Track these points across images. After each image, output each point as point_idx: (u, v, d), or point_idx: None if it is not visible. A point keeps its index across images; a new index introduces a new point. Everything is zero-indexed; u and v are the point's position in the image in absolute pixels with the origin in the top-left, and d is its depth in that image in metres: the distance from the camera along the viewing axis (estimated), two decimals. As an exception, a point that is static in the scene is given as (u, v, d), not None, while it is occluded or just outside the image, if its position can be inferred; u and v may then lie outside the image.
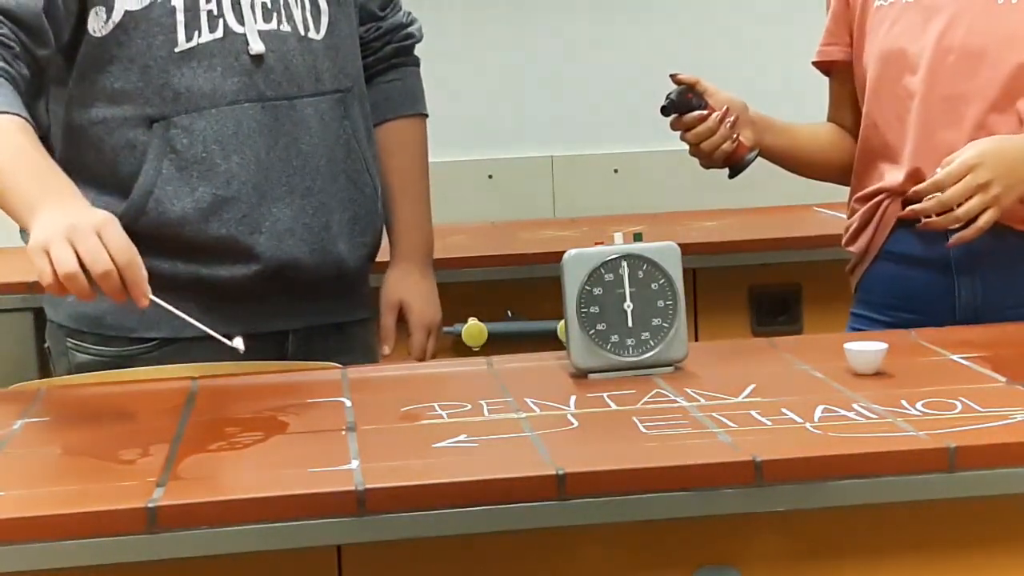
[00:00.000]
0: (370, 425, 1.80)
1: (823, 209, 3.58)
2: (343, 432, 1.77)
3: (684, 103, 2.32)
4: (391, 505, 1.55)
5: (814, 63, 2.51)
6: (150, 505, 1.52)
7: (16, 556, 1.50)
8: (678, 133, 2.35)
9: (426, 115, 2.56)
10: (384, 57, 2.50)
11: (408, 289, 2.46)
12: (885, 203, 2.38)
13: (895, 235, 2.38)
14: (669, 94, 2.32)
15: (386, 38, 2.50)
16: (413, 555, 1.59)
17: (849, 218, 2.47)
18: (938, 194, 2.20)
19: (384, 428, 1.79)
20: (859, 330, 2.41)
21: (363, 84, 2.41)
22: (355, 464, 1.63)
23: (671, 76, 2.33)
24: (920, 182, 2.29)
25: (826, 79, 2.53)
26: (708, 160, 2.35)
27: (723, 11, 4.11)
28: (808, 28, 3.61)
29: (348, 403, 1.91)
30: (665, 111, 2.32)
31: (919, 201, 2.23)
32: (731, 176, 2.39)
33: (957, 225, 2.21)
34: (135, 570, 1.53)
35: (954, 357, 2.05)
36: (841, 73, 2.48)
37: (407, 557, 1.59)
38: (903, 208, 2.33)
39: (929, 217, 2.23)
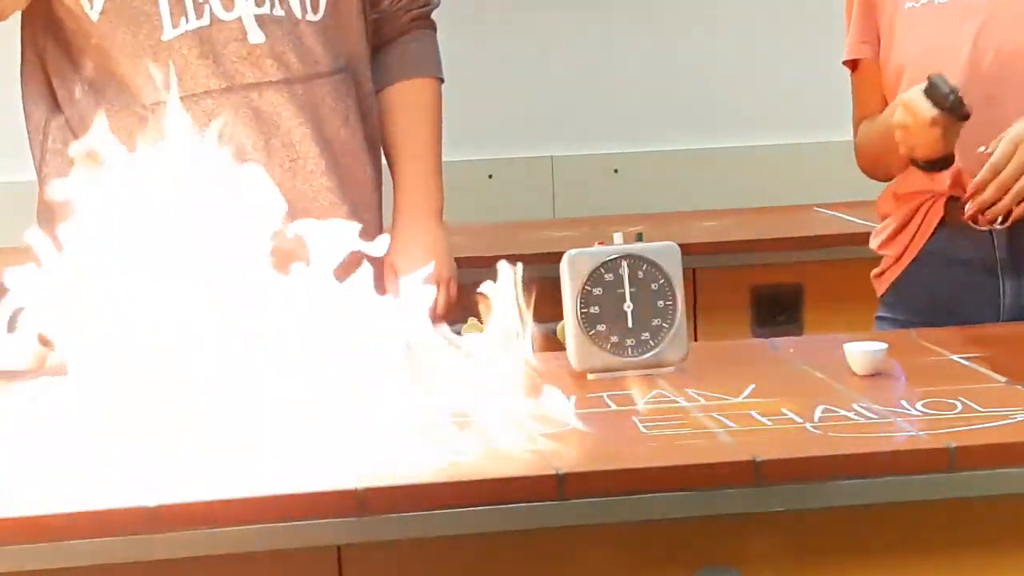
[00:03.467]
0: (370, 425, 1.79)
1: (823, 209, 3.58)
2: (343, 432, 1.76)
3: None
4: (391, 505, 1.55)
5: (845, 61, 2.47)
6: (150, 505, 1.52)
7: (16, 556, 1.50)
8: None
9: (439, 78, 2.50)
10: (401, 25, 2.47)
11: (397, 249, 2.40)
12: (927, 204, 2.37)
13: (936, 236, 2.37)
14: (953, 91, 2.18)
15: (405, 5, 2.47)
16: (413, 555, 1.59)
17: (881, 220, 2.45)
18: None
19: (384, 428, 1.79)
20: None
21: (364, 62, 2.39)
22: (355, 464, 1.63)
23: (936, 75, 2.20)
24: (963, 184, 2.28)
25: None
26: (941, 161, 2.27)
27: (724, 12, 4.11)
28: (810, 31, 3.61)
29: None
30: (968, 116, 2.19)
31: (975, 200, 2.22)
32: (933, 170, 2.30)
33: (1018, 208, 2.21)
34: (135, 570, 1.53)
35: (954, 357, 2.05)
36: (869, 70, 2.45)
37: (407, 557, 1.59)
38: (953, 211, 2.32)
39: (989, 209, 2.21)
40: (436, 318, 2.30)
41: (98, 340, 1.84)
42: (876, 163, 2.44)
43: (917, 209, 2.38)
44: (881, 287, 2.47)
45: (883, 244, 2.44)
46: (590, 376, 1.99)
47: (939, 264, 2.37)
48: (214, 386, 1.80)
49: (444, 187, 2.53)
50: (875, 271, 2.47)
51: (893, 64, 2.39)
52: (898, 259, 2.42)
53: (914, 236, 2.39)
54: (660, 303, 2.00)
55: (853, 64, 2.48)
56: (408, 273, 2.32)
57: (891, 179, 2.46)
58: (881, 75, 2.43)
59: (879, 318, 2.46)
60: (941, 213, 2.35)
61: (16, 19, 2.32)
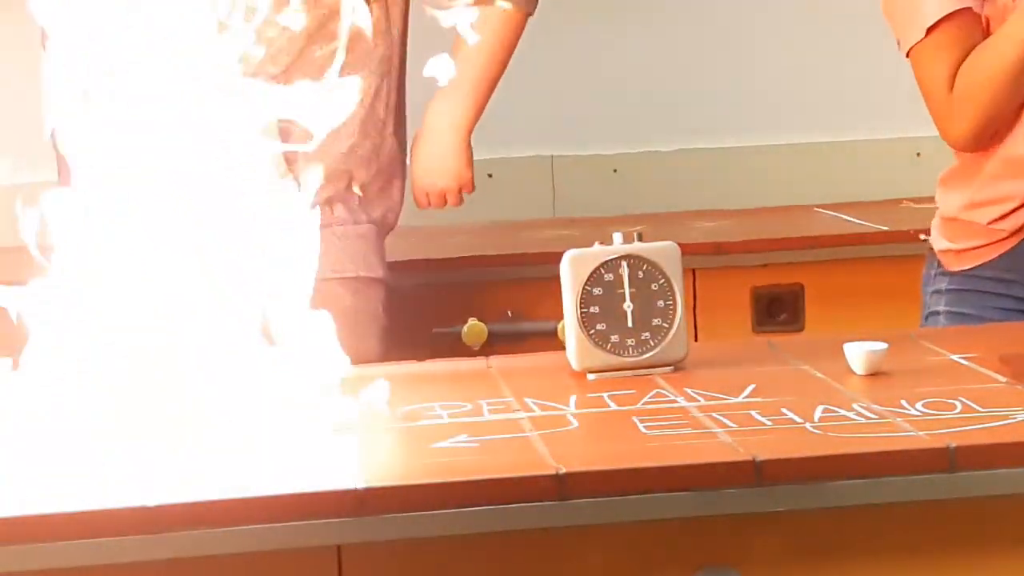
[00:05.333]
0: (370, 425, 1.80)
1: (823, 209, 3.57)
2: (343, 432, 1.77)
3: None
4: (391, 505, 1.55)
5: (939, 20, 2.33)
6: (151, 505, 1.52)
7: (16, 556, 1.50)
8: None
9: (517, 9, 2.51)
10: None
11: (413, 159, 2.49)
12: None
13: None
14: None
15: None
16: (413, 555, 1.59)
17: (985, 185, 2.42)
18: None
19: (384, 428, 1.79)
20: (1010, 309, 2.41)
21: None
22: (355, 464, 1.63)
23: None
24: None
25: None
26: None
27: (724, 13, 4.11)
28: (811, 31, 3.60)
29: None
30: None
31: None
32: None
33: None
34: (135, 570, 1.53)
35: (954, 357, 2.05)
36: (971, 17, 2.35)
37: (407, 557, 1.59)
38: None
39: None
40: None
41: (98, 338, 1.84)
42: (1008, 82, 2.33)
43: None
44: (976, 260, 2.45)
45: (997, 219, 2.41)
46: (590, 376, 1.99)
47: None
48: (214, 386, 1.80)
49: None
50: (962, 246, 2.45)
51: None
52: (1015, 232, 2.41)
53: None
54: (660, 303, 2.00)
55: (935, 23, 2.34)
56: (419, 183, 2.40)
57: (1004, 112, 2.36)
58: (980, 21, 2.34)
59: (995, 295, 2.45)
60: None
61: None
